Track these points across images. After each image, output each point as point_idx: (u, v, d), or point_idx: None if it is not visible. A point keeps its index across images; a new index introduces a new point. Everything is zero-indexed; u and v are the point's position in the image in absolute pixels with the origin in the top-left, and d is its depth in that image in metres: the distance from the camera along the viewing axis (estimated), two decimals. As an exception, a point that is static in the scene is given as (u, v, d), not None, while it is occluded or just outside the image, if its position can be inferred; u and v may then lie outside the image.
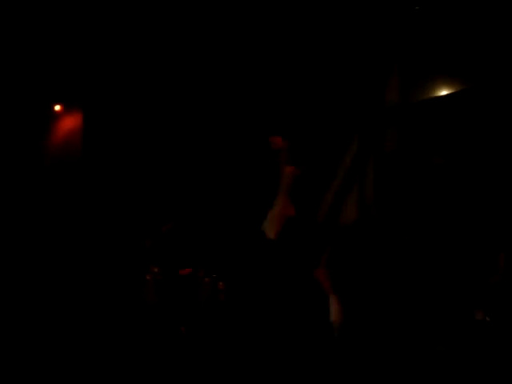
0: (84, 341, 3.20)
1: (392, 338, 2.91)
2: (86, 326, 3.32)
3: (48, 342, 2.80)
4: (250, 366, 2.49)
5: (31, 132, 5.31)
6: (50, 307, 3.07)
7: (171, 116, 4.77)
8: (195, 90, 4.75)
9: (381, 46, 4.52)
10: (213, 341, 2.84)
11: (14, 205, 4.92)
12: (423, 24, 4.16)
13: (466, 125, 3.88)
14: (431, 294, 2.90)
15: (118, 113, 4.83)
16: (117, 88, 4.86)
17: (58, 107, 5.18)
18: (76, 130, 4.99)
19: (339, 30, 4.39)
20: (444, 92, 4.12)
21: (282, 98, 4.53)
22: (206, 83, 4.76)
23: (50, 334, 2.86)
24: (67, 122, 5.07)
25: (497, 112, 3.67)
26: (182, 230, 3.98)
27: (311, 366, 2.70)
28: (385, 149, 4.47)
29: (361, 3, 4.30)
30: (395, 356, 2.84)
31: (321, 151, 4.43)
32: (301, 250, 3.53)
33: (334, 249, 3.87)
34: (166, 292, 3.46)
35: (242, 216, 4.44)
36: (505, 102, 3.66)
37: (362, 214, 4.44)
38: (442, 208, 3.60)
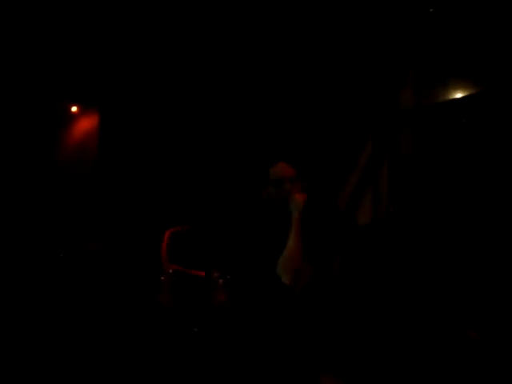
0: (96, 342, 3.24)
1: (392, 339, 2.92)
2: (99, 327, 3.35)
3: (60, 344, 2.84)
4: (261, 367, 2.50)
5: (47, 133, 5.37)
6: (62, 310, 3.10)
7: (187, 120, 4.79)
8: (212, 93, 4.77)
9: (395, 49, 4.51)
10: (225, 342, 2.84)
11: (28, 206, 4.98)
12: (438, 26, 4.14)
13: (482, 128, 3.86)
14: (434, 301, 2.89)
15: (134, 115, 4.86)
16: (133, 90, 4.89)
17: (74, 108, 5.23)
18: (92, 131, 5.03)
19: (353, 32, 4.39)
20: (459, 94, 4.10)
21: (294, 101, 4.54)
22: (222, 86, 4.78)
23: (63, 337, 2.90)
24: (83, 123, 5.12)
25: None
26: (197, 232, 4.01)
27: (321, 367, 2.71)
28: (400, 152, 4.47)
29: (375, 5, 4.30)
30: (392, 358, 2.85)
31: (333, 154, 4.44)
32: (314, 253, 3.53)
33: (347, 252, 3.87)
34: (180, 293, 3.49)
35: (256, 217, 4.45)
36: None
37: (376, 217, 4.44)
38: (457, 212, 3.58)
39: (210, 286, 3.47)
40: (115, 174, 4.75)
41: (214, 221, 4.20)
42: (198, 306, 3.43)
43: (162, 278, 3.54)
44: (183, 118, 4.84)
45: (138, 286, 3.51)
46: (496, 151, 3.61)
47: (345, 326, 3.05)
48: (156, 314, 3.43)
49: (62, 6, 4.53)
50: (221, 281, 3.47)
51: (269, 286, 2.51)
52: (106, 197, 4.83)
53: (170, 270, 3.56)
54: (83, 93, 5.20)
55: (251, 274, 2.55)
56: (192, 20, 4.61)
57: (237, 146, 4.62)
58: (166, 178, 4.53)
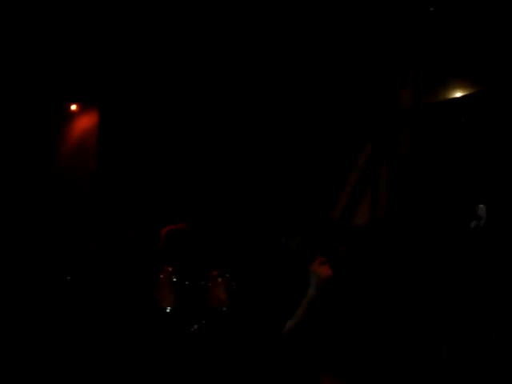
0: (94, 340, 3.23)
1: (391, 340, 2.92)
2: (98, 325, 3.35)
3: (58, 344, 2.82)
4: (261, 366, 2.50)
5: (47, 131, 5.35)
6: (60, 310, 3.08)
7: (187, 118, 4.77)
8: (212, 91, 4.76)
9: (395, 48, 4.51)
10: (224, 340, 2.84)
11: (27, 206, 4.97)
12: (438, 25, 4.14)
13: (481, 127, 3.86)
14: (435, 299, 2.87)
15: (134, 113, 4.84)
16: (133, 88, 4.87)
17: (74, 106, 5.21)
18: (91, 129, 5.02)
19: (353, 32, 4.39)
20: (459, 94, 4.10)
21: (293, 98, 4.54)
22: (222, 83, 4.77)
23: (61, 337, 2.88)
24: (83, 122, 5.10)
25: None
26: (196, 230, 4.01)
27: (321, 367, 2.70)
28: (399, 151, 4.47)
29: (375, 5, 4.30)
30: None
31: (333, 153, 4.44)
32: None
33: (347, 251, 3.88)
34: (179, 291, 3.48)
35: (256, 215, 4.45)
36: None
37: (375, 217, 4.44)
38: (456, 212, 3.58)
39: (210, 285, 3.47)
40: (115, 172, 4.73)
41: (213, 219, 4.20)
42: (197, 304, 3.43)
43: (161, 276, 3.53)
44: (183, 116, 4.82)
45: (137, 284, 3.50)
46: (495, 151, 3.62)
47: (345, 326, 3.04)
48: (155, 312, 3.42)
49: (62, 4, 4.53)
50: (220, 279, 3.47)
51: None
52: (107, 195, 4.81)
53: (170, 269, 3.55)
54: (83, 91, 5.18)
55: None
56: (192, 18, 4.61)
57: (235, 143, 4.60)
58: (165, 176, 4.52)
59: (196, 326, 3.17)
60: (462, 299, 2.99)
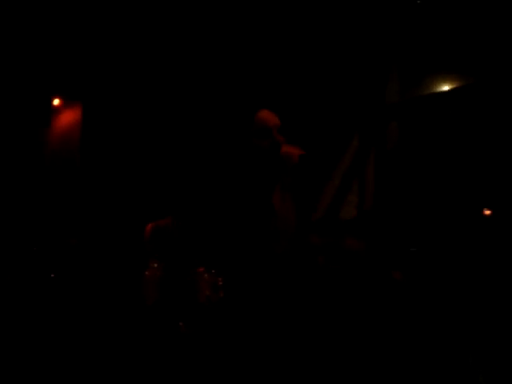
0: (80, 338, 3.20)
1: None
2: (83, 322, 3.31)
3: (43, 341, 2.78)
4: (249, 364, 2.48)
5: (30, 126, 5.28)
6: (46, 306, 3.04)
7: (172, 112, 4.73)
8: (196, 85, 4.72)
9: (381, 42, 4.50)
10: (211, 337, 2.82)
11: (13, 200, 4.91)
12: (423, 18, 4.14)
13: (468, 121, 3.87)
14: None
15: (118, 107, 4.79)
16: (117, 82, 4.82)
17: (57, 101, 5.14)
18: (75, 124, 4.95)
19: (338, 27, 4.37)
20: (445, 88, 4.11)
21: (281, 95, 4.52)
22: (205, 78, 4.73)
23: (46, 333, 2.84)
24: (66, 116, 5.03)
25: (498, 108, 3.64)
26: (181, 225, 3.98)
27: (310, 366, 2.70)
28: (386, 146, 4.47)
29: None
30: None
31: (320, 148, 4.42)
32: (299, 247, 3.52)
33: (332, 246, 3.87)
34: (165, 288, 3.46)
35: (241, 210, 4.42)
36: (506, 98, 3.63)
37: (362, 212, 4.44)
38: (442, 205, 3.59)
39: (196, 281, 3.45)
40: (99, 167, 4.68)
41: (198, 214, 4.17)
42: (183, 300, 3.41)
43: (147, 272, 3.50)
44: (167, 111, 4.78)
45: (122, 281, 3.47)
46: (482, 144, 3.63)
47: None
48: (140, 309, 3.39)
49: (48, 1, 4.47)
50: (206, 275, 3.44)
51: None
52: (90, 189, 4.75)
53: (155, 265, 3.52)
54: (66, 85, 5.12)
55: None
56: (178, 14, 4.57)
57: (218, 137, 4.56)
58: (148, 169, 4.48)
59: (182, 323, 3.15)
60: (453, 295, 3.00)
